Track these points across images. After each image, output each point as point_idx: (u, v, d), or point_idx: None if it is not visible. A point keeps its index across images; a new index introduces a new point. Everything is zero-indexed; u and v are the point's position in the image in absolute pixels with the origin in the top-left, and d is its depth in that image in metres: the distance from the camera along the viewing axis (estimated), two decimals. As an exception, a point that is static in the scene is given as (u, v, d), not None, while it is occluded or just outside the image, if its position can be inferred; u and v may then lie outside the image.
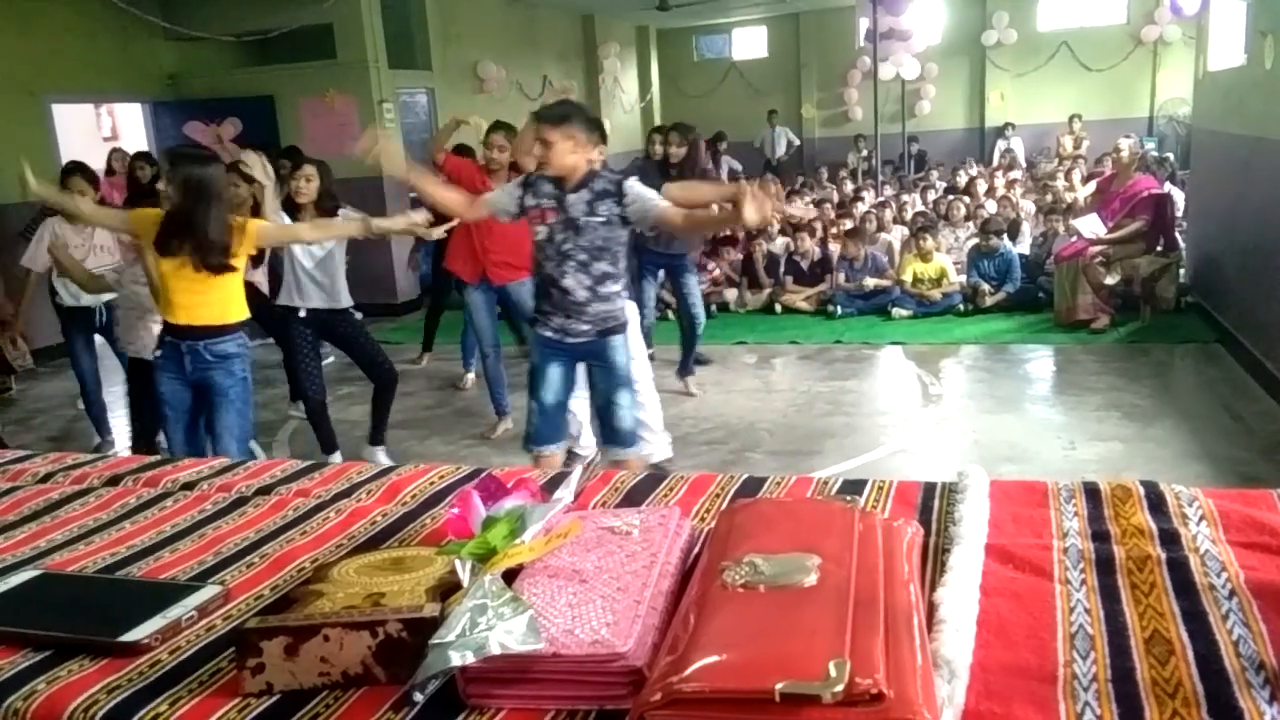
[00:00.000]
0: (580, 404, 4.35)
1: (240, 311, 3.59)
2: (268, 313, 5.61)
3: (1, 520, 1.42)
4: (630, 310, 4.11)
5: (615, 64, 14.45)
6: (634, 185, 3.34)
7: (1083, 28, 14.45)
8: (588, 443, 4.38)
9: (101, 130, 11.44)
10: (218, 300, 3.50)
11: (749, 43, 16.97)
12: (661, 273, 5.96)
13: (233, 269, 3.48)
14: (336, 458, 4.60)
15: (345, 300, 4.69)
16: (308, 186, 4.54)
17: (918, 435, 5.02)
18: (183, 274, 3.42)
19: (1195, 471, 4.19)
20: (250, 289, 4.69)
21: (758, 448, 4.92)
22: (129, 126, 10.83)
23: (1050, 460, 4.47)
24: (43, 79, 7.99)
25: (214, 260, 3.41)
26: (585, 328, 3.36)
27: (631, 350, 4.18)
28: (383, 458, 4.69)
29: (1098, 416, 5.04)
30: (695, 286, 5.96)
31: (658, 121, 16.03)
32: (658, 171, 5.60)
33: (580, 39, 14.01)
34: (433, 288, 6.70)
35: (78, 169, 5.05)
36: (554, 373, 3.46)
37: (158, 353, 3.59)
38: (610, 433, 3.53)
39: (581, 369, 3.53)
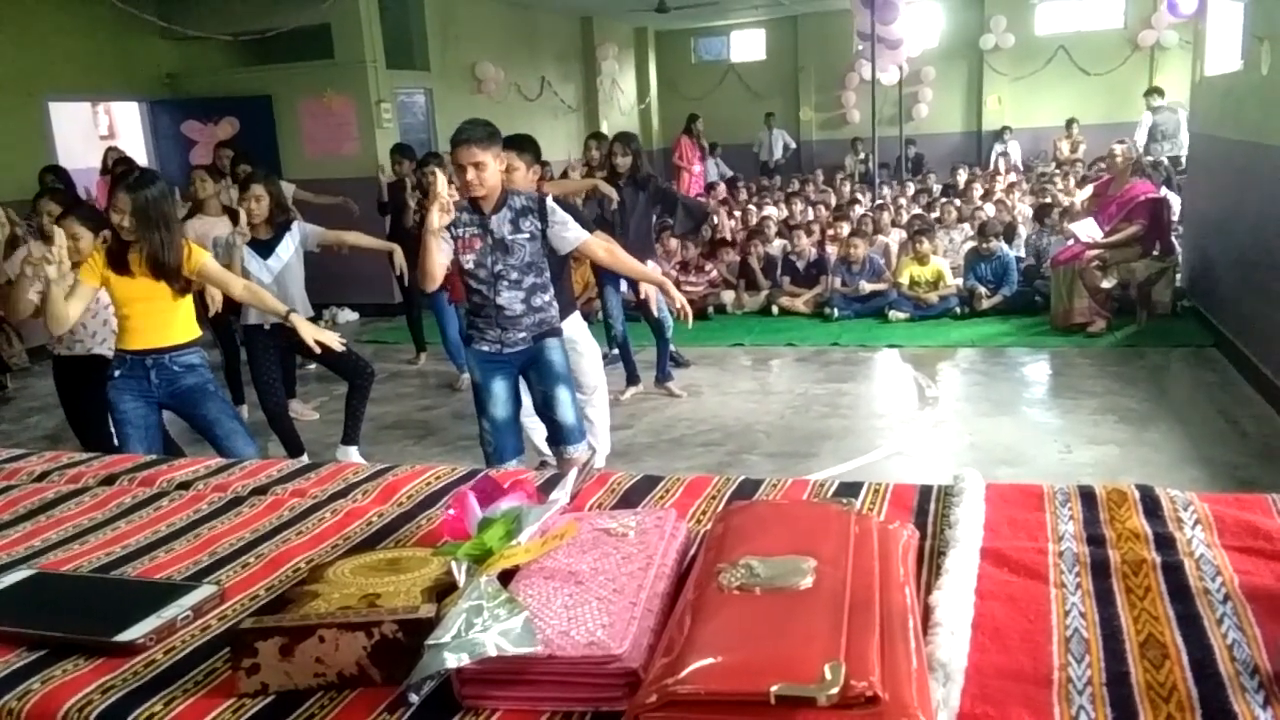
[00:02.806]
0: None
1: (194, 330, 3.59)
2: (226, 326, 5.64)
3: (-4, 519, 1.41)
4: (577, 323, 4.13)
5: (614, 66, 14.45)
6: (558, 210, 3.38)
7: (1080, 32, 14.48)
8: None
9: (99, 129, 11.44)
10: (174, 320, 3.50)
11: (747, 45, 16.98)
12: (624, 283, 5.96)
13: (190, 288, 3.48)
14: (304, 460, 4.61)
15: (303, 311, 4.68)
16: (259, 206, 4.56)
17: (914, 438, 5.02)
18: (139, 296, 3.41)
19: (1191, 475, 4.20)
20: (201, 302, 4.68)
21: (754, 450, 4.93)
22: (126, 125, 10.82)
23: (1046, 464, 4.48)
24: (40, 77, 7.99)
25: (176, 283, 3.41)
26: (522, 335, 3.43)
27: (588, 359, 4.18)
28: (356, 456, 4.68)
29: (1094, 420, 5.05)
30: (656, 293, 5.92)
31: (656, 124, 16.06)
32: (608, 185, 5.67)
33: (579, 40, 14.02)
34: (404, 291, 6.82)
35: (48, 192, 4.98)
36: (499, 387, 3.49)
37: (116, 373, 3.50)
38: (554, 429, 3.56)
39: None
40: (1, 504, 1.48)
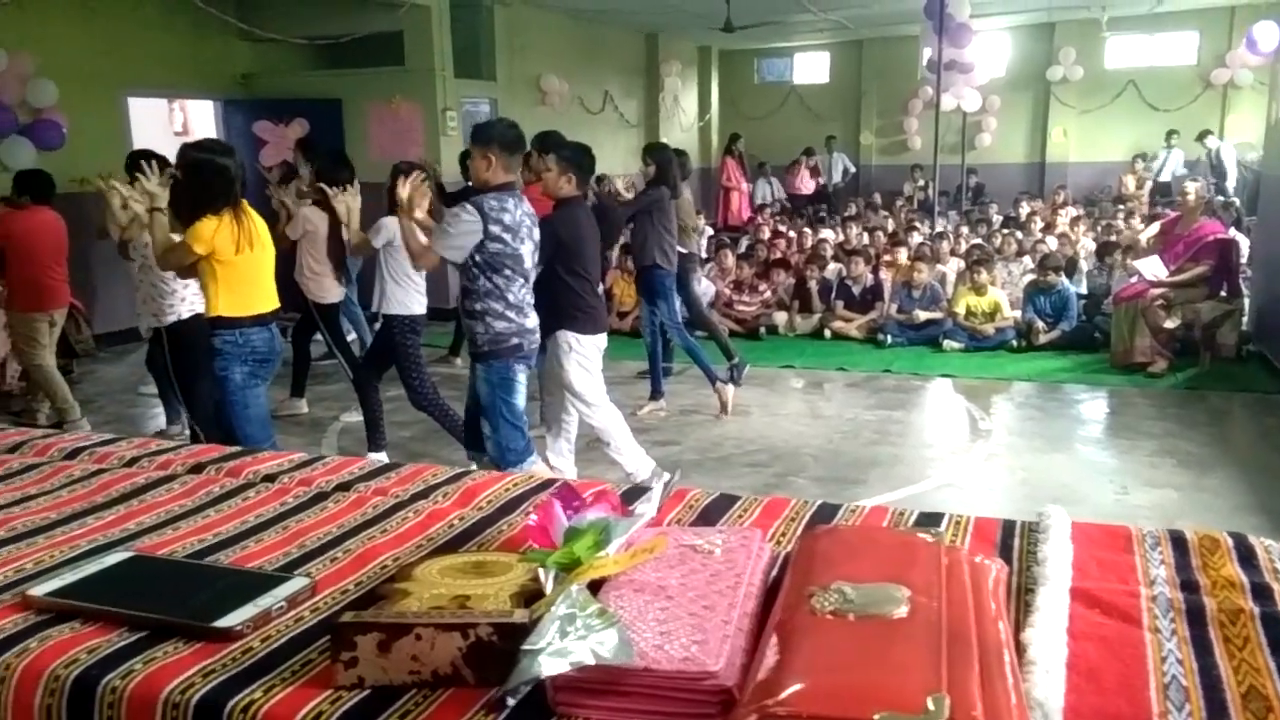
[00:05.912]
0: (619, 426, 4.29)
1: (214, 308, 3.52)
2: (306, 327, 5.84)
3: (91, 501, 1.46)
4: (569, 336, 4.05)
5: (676, 83, 14.53)
6: (459, 209, 3.43)
7: (1152, 67, 14.27)
8: (635, 469, 4.27)
9: (173, 125, 11.72)
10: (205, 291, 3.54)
11: (811, 67, 16.96)
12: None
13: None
14: (382, 456, 4.69)
15: (379, 307, 4.85)
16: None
17: (965, 470, 4.96)
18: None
19: (1252, 524, 4.09)
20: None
21: (801, 473, 4.90)
22: (200, 122, 11.08)
23: (1101, 504, 4.39)
24: (120, 73, 8.23)
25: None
26: (473, 339, 3.56)
27: (572, 373, 4.03)
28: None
29: (1151, 462, 4.95)
30: (665, 305, 5.82)
31: (715, 142, 16.06)
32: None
33: (643, 56, 14.11)
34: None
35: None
36: (472, 375, 3.69)
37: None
38: None
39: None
40: (96, 486, 1.52)
